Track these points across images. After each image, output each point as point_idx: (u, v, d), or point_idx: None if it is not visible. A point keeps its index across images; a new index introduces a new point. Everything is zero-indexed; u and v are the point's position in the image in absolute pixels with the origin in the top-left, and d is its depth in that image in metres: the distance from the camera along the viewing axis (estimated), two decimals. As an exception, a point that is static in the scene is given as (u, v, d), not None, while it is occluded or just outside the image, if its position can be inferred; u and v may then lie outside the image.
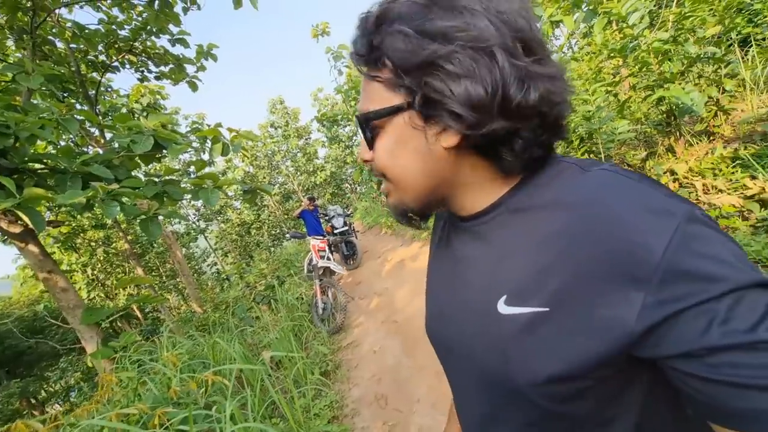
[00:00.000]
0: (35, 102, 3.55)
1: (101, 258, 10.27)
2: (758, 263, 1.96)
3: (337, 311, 4.04)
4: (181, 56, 4.88)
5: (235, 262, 16.56)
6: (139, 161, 2.80)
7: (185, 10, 4.42)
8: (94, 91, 4.72)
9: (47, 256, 2.80)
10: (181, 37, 4.46)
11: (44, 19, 3.47)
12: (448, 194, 0.47)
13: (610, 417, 0.40)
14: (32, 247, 2.72)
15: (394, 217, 0.52)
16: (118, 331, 8.84)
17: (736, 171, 2.46)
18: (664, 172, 2.84)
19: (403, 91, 0.42)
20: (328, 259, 4.80)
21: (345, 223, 6.46)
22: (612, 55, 3.23)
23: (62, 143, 4.52)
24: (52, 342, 9.41)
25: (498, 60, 0.37)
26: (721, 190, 2.48)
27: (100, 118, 5.17)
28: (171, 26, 4.21)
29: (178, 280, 13.04)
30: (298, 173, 21.71)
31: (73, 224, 8.68)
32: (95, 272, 10.21)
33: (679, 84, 2.97)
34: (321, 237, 5.18)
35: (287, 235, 5.57)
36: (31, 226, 2.33)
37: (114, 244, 10.46)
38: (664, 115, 3.13)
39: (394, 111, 0.43)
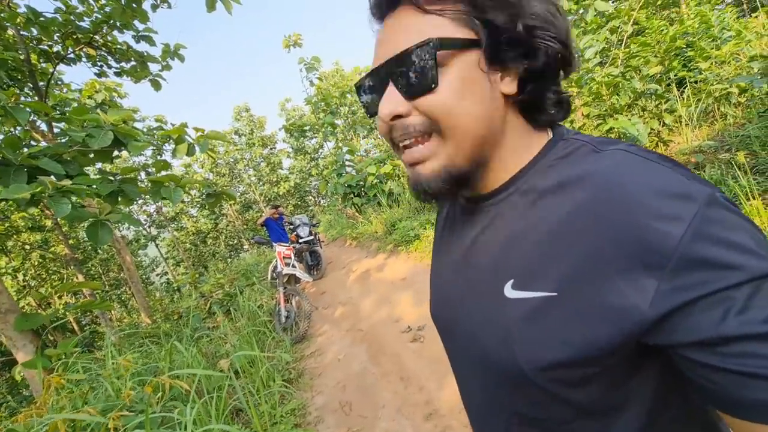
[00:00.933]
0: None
1: (35, 263, 9.37)
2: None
3: (300, 320, 3.96)
4: (145, 54, 4.70)
5: (187, 273, 15.71)
6: (93, 158, 2.64)
7: (154, 7, 4.31)
8: (44, 83, 4.41)
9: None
10: (146, 34, 4.31)
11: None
12: (489, 156, 0.44)
13: (617, 405, 0.39)
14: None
15: (430, 189, 0.43)
16: (49, 345, 8.02)
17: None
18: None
19: (474, 28, 0.40)
20: (294, 266, 4.71)
21: (311, 233, 6.38)
22: (570, 85, 3.54)
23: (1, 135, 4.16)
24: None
25: (562, 13, 0.41)
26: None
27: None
28: (137, 22, 4.06)
29: (122, 289, 12.14)
30: (261, 183, 21.23)
31: (6, 224, 7.90)
32: (27, 278, 9.29)
33: (626, 115, 3.31)
34: (287, 245, 5.09)
35: (252, 240, 5.37)
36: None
37: (52, 248, 9.60)
38: (612, 142, 3.45)
39: (469, 45, 0.39)
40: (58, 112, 5.44)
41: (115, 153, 2.87)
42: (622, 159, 0.37)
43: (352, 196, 9.04)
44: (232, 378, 2.35)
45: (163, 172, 2.86)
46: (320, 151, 20.98)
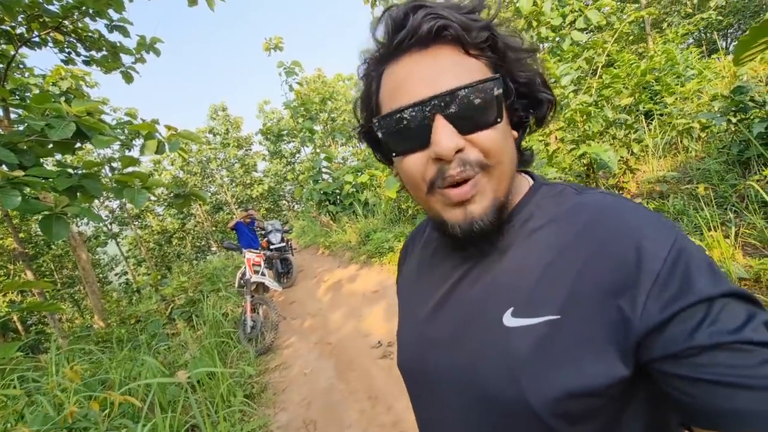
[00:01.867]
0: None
1: (-22, 258, 8.66)
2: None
3: (267, 330, 3.81)
4: (118, 44, 4.49)
5: (149, 273, 14.95)
6: (52, 149, 2.46)
7: (130, -4, 4.12)
8: (3, 66, 4.12)
9: None
10: (121, 24, 4.14)
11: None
12: None
13: None
14: None
15: (485, 225, 0.42)
16: (-12, 347, 7.36)
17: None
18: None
19: (501, 72, 0.45)
20: (263, 274, 4.55)
21: (283, 239, 6.22)
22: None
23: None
24: None
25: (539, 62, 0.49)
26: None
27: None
28: (111, 12, 3.88)
29: (76, 288, 11.40)
30: (233, 184, 20.68)
31: (-53, 215, 7.26)
32: (-33, 274, 8.56)
33: (598, 142, 3.44)
34: (257, 251, 4.92)
35: (223, 244, 5.15)
36: None
37: (-1, 242, 8.91)
38: (585, 168, 3.58)
39: (508, 90, 0.46)
40: (17, 97, 5.10)
41: (78, 145, 2.70)
42: (610, 197, 0.43)
43: (327, 203, 8.93)
44: (189, 392, 2.21)
45: (130, 168, 2.70)
46: (297, 155, 20.72)
